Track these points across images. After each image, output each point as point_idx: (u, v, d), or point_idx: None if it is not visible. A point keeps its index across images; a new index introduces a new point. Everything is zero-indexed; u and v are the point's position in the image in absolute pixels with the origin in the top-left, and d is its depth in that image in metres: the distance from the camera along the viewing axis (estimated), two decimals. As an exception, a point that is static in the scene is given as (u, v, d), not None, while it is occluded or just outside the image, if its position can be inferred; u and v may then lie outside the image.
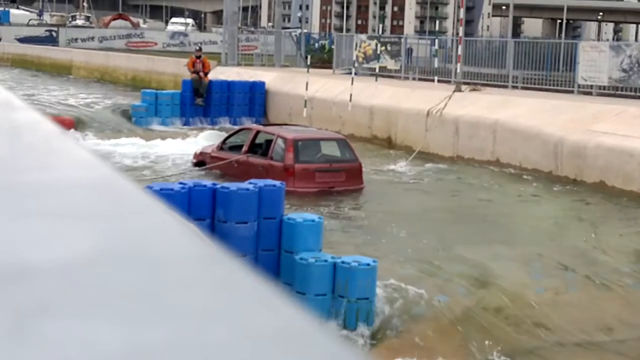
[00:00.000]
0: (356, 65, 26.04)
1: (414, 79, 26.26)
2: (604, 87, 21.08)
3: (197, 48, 27.62)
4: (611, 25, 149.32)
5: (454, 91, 20.97)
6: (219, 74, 28.29)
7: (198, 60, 25.73)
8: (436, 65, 25.25)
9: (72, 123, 22.34)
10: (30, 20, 73.83)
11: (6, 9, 76.98)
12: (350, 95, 22.42)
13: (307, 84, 23.14)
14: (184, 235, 0.65)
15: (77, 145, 1.00)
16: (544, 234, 12.56)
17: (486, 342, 8.81)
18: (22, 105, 1.26)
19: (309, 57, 27.01)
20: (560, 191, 16.07)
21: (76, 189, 0.78)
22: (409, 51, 26.05)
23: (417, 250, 11.29)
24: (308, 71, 24.07)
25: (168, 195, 8.89)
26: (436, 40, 26.27)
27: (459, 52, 22.62)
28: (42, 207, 0.73)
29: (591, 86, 21.34)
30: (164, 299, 0.55)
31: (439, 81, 24.43)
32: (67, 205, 0.73)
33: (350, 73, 24.32)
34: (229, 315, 0.53)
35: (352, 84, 22.56)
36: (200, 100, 25.15)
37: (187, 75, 25.92)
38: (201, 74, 25.45)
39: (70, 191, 0.78)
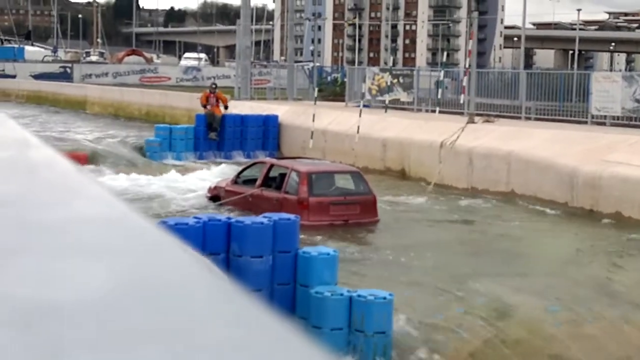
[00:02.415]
0: (369, 97, 26.14)
1: (426, 110, 26.30)
2: (618, 117, 21.05)
3: (213, 84, 27.71)
4: (623, 56, 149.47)
5: (467, 123, 20.98)
6: (232, 108, 28.41)
7: (212, 95, 25.85)
8: (439, 96, 25.31)
9: (86, 158, 22.46)
10: (44, 56, 74.53)
11: (21, 45, 77.77)
12: (358, 127, 22.47)
13: (313, 115, 23.25)
14: (198, 272, 0.65)
15: (92, 182, 1.00)
16: (561, 266, 12.48)
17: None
18: (38, 143, 1.27)
19: (316, 89, 27.16)
20: (576, 222, 15.99)
21: (92, 226, 0.78)
22: (439, 84, 26.10)
23: (434, 283, 11.22)
24: (315, 103, 24.20)
25: (183, 230, 8.89)
26: (442, 72, 26.36)
27: (464, 83, 22.67)
28: (59, 244, 0.73)
29: (604, 116, 21.32)
30: (178, 337, 0.55)
31: (451, 113, 24.43)
32: (84, 242, 0.73)
33: (367, 106, 24.42)
34: (244, 352, 0.52)
35: (360, 116, 22.63)
36: (213, 135, 25.25)
37: (201, 109, 26.07)
38: (220, 107, 25.56)
39: (86, 228, 0.78)
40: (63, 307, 0.57)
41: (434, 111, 25.69)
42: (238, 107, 28.75)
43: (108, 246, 0.71)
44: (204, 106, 25.79)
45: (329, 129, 24.31)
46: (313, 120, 23.22)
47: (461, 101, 22.68)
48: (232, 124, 25.63)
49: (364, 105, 25.85)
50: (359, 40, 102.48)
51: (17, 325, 0.54)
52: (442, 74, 26.20)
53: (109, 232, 0.76)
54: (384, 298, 8.81)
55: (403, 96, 26.83)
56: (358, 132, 22.43)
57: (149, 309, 0.58)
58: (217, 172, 20.96)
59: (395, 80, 26.83)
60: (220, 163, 23.48)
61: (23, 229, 0.77)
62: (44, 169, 1.10)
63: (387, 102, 25.83)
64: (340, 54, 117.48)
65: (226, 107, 25.81)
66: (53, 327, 0.54)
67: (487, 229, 15.57)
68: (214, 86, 27.19)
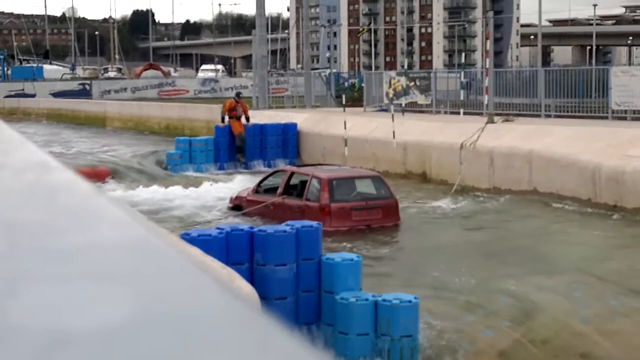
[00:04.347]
0: (386, 102, 26.10)
1: (445, 112, 26.25)
2: (638, 112, 20.91)
3: (237, 92, 27.46)
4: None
5: (487, 123, 20.92)
6: (251, 117, 28.48)
7: (238, 104, 25.62)
8: (462, 98, 25.22)
9: (108, 173, 22.59)
10: (63, 74, 75.06)
11: (39, 65, 78.38)
12: (393, 132, 22.28)
13: (345, 122, 23.09)
14: (216, 294, 0.66)
15: (113, 205, 1.01)
16: (586, 262, 12.41)
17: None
18: (57, 166, 1.28)
19: (343, 96, 27.09)
20: (600, 218, 15.89)
21: (112, 251, 0.79)
22: (462, 85, 25.90)
23: (459, 285, 11.19)
24: (344, 110, 24.09)
25: (206, 241, 8.92)
26: (462, 73, 26.30)
27: (487, 84, 22.60)
28: (78, 270, 0.74)
29: (625, 111, 21.18)
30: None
31: (470, 114, 24.38)
32: (103, 269, 0.74)
33: (385, 110, 24.36)
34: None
35: (392, 120, 22.50)
36: (241, 157, 25.03)
37: (219, 122, 25.96)
38: (243, 120, 25.29)
39: (105, 253, 0.79)
40: (81, 336, 0.57)
41: (453, 113, 25.63)
42: (257, 117, 28.79)
43: (128, 272, 0.71)
44: (230, 117, 25.23)
45: (349, 135, 24.31)
46: (345, 127, 22.99)
47: (485, 102, 22.58)
48: (251, 134, 25.66)
49: (382, 110, 25.81)
50: (375, 45, 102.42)
51: (33, 355, 0.54)
52: (462, 75, 26.12)
53: (129, 258, 0.76)
54: (409, 302, 8.80)
55: (420, 99, 26.79)
56: (394, 137, 22.26)
57: (170, 337, 0.58)
58: (238, 183, 20.99)
59: (412, 83, 26.80)
60: (241, 173, 23.52)
61: (40, 256, 0.78)
62: (63, 193, 1.11)
63: (403, 105, 25.76)
64: (357, 59, 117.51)
65: (248, 119, 25.59)
66: (70, 357, 0.55)
67: (511, 228, 15.51)
68: (239, 94, 26.88)
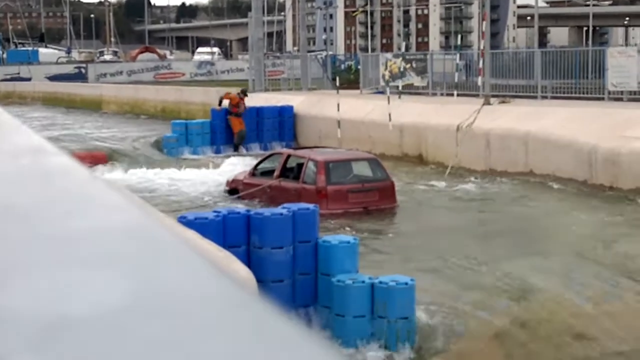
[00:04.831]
0: (382, 84, 26.05)
1: (441, 94, 26.22)
2: (635, 92, 20.90)
3: (243, 90, 26.92)
4: (638, 30, 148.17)
5: (483, 104, 20.90)
6: (247, 100, 28.43)
7: (242, 100, 25.32)
8: (456, 80, 25.17)
9: (104, 157, 22.57)
10: (59, 58, 74.81)
11: (35, 48, 78.10)
12: (389, 114, 22.29)
13: (338, 105, 23.13)
14: (213, 277, 0.66)
15: (108, 189, 1.01)
16: (582, 244, 12.44)
17: (529, 356, 8.71)
18: (53, 150, 1.28)
19: (337, 78, 27.05)
20: (596, 199, 15.92)
21: (108, 235, 0.79)
22: (457, 67, 25.82)
23: (455, 266, 11.22)
24: (338, 92, 24.10)
25: (203, 225, 8.92)
26: (458, 55, 26.22)
27: (480, 65, 22.56)
28: (74, 256, 0.74)
29: (621, 92, 21.17)
30: (193, 348, 0.55)
31: (466, 95, 24.35)
32: (99, 252, 0.74)
33: (381, 92, 24.33)
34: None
35: (388, 102, 22.49)
36: (237, 150, 24.89)
37: (215, 104, 25.89)
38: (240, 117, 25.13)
39: (102, 238, 0.79)
40: (79, 320, 0.58)
41: (449, 95, 25.60)
42: (253, 99, 28.72)
43: (125, 257, 0.72)
44: (232, 113, 25.02)
45: (344, 117, 24.28)
46: (338, 110, 23.02)
47: (479, 83, 22.56)
48: (248, 117, 25.62)
49: (378, 92, 25.77)
50: (372, 27, 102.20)
51: (31, 341, 0.55)
52: (458, 57, 26.06)
53: (126, 242, 0.76)
54: (406, 284, 8.82)
55: (417, 81, 26.75)
56: (390, 119, 22.27)
57: (167, 321, 0.58)
58: (234, 165, 20.98)
59: (409, 65, 26.75)
60: (238, 156, 23.51)
61: (37, 241, 0.78)
62: (59, 177, 1.11)
63: (400, 87, 25.72)
64: (353, 41, 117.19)
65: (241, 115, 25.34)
66: (69, 342, 0.55)
67: (507, 210, 15.53)
68: (245, 91, 26.42)
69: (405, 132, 22.27)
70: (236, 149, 24.86)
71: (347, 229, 13.68)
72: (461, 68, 26.65)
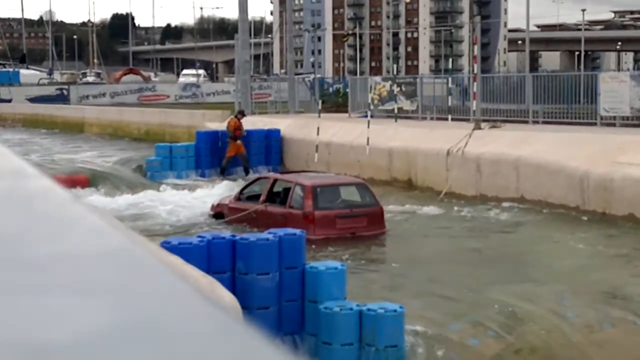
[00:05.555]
0: (372, 107, 26.15)
1: (431, 118, 26.31)
2: (627, 118, 21.04)
3: (241, 111, 26.70)
4: (631, 54, 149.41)
5: (474, 129, 20.98)
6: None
7: (241, 124, 25.16)
8: (450, 104, 25.33)
9: (86, 180, 22.49)
10: (40, 79, 74.71)
11: (16, 69, 78.00)
12: (368, 138, 22.49)
13: (318, 129, 23.26)
14: (197, 304, 0.65)
15: (91, 213, 1.01)
16: (574, 271, 12.45)
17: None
18: (34, 173, 1.27)
19: (319, 101, 27.16)
20: (588, 226, 15.96)
21: (89, 260, 0.78)
22: (450, 91, 25.92)
23: (445, 294, 11.20)
24: (319, 116, 24.21)
25: (186, 250, 8.89)
26: (449, 79, 26.41)
27: (474, 90, 22.69)
28: (55, 281, 0.73)
29: (614, 117, 21.31)
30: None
31: (456, 120, 24.47)
32: (80, 278, 0.73)
33: (366, 116, 24.41)
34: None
35: (368, 127, 22.65)
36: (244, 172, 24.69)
37: (201, 127, 25.96)
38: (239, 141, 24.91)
39: (83, 263, 0.78)
40: (55, 350, 0.57)
41: (439, 119, 25.69)
42: (226, 124, 28.79)
43: (106, 283, 0.71)
44: (234, 137, 24.78)
45: (333, 141, 24.33)
46: (317, 134, 23.22)
47: (473, 107, 22.69)
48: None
49: (367, 115, 25.83)
50: (360, 50, 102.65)
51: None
52: (449, 80, 26.22)
53: (107, 268, 0.76)
54: (395, 311, 8.80)
55: (406, 104, 26.85)
56: (368, 143, 22.42)
57: (149, 349, 0.58)
58: (219, 190, 20.97)
59: (398, 89, 26.87)
60: (223, 180, 23.48)
61: (15, 266, 0.77)
62: (40, 201, 1.10)
63: (395, 111, 25.85)
64: (342, 64, 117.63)
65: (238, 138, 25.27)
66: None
67: (498, 236, 15.55)
68: (243, 112, 26.32)
69: (395, 156, 22.32)
70: (246, 171, 24.63)
71: (335, 255, 13.65)
72: (453, 92, 26.80)
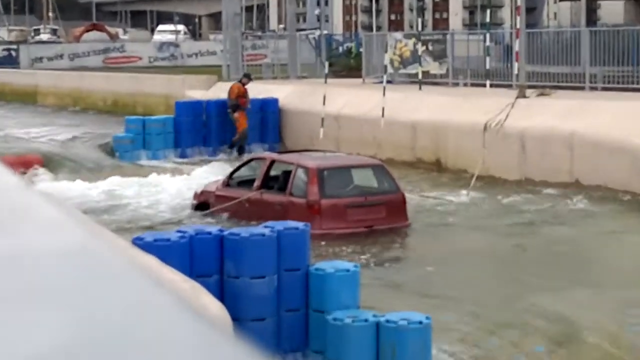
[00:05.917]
0: (391, 71, 26.10)
1: (464, 84, 26.27)
2: None
3: (247, 74, 26.83)
4: None
5: (517, 97, 20.94)
6: (220, 91, 28.43)
7: (246, 90, 25.29)
8: (487, 66, 25.25)
9: (39, 162, 22.50)
10: (-18, 38, 74.72)
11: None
12: (383, 109, 22.45)
13: (324, 97, 23.20)
14: (176, 316, 0.65)
15: (44, 202, 1.00)
16: (641, 273, 12.45)
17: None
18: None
19: (326, 63, 27.11)
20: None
21: (42, 260, 0.78)
22: (487, 50, 25.94)
23: (481, 301, 11.21)
24: (326, 81, 24.16)
25: (164, 248, 8.91)
26: (487, 35, 26.32)
27: (517, 48, 22.62)
28: (4, 287, 0.73)
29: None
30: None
31: (496, 86, 24.40)
32: (35, 283, 0.73)
33: (390, 81, 24.39)
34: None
35: (384, 95, 22.61)
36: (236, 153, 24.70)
37: (180, 96, 25.98)
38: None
39: (35, 264, 0.78)
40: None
41: (475, 85, 25.64)
42: (227, 91, 28.72)
43: (63, 289, 0.71)
44: (236, 107, 24.94)
45: (343, 113, 24.31)
46: (324, 104, 23.18)
47: (516, 71, 22.62)
48: (221, 112, 25.61)
49: (387, 81, 25.80)
50: (377, 0, 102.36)
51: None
52: (487, 37, 26.15)
53: (65, 270, 0.75)
54: (420, 322, 8.81)
55: (434, 67, 26.80)
56: (383, 115, 22.39)
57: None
58: (204, 174, 20.98)
59: (424, 48, 26.80)
60: (210, 161, 23.49)
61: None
62: (-18, 188, 1.10)
63: (419, 75, 25.80)
64: (354, 17, 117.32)
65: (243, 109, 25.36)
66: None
67: (546, 230, 15.54)
68: (249, 75, 26.44)
69: (420, 131, 22.30)
70: (241, 151, 24.71)
71: (346, 253, 13.66)
72: (491, 52, 26.71)
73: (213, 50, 56.36)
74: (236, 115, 24.98)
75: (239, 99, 25.06)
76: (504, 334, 10.11)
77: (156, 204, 18.01)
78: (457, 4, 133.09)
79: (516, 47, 22.80)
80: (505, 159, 19.92)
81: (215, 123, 25.52)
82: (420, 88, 24.90)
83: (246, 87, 25.47)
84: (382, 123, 22.52)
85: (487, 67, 25.06)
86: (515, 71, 22.81)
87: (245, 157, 21.61)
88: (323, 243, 13.98)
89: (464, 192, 18.51)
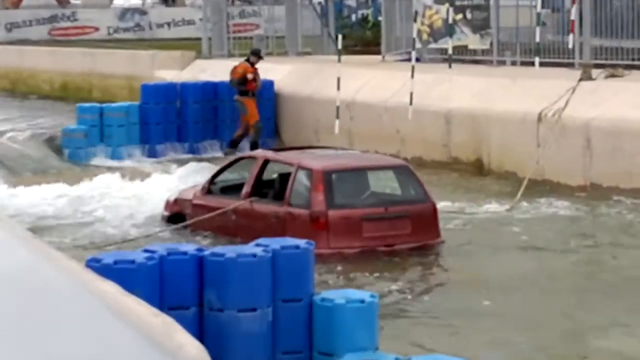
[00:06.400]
0: (418, 46, 26.05)
1: (512, 63, 26.22)
2: None
3: (255, 50, 27.02)
4: None
5: (580, 80, 20.92)
6: (199, 72, 28.48)
7: (256, 70, 25.58)
8: (538, 39, 25.18)
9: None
10: None
11: None
12: (411, 95, 22.41)
13: (338, 80, 23.14)
14: (141, 356, 0.66)
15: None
16: None
17: None
18: None
19: (338, 36, 27.08)
20: None
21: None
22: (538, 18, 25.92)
23: (533, 342, 11.22)
24: (339, 59, 24.11)
25: (128, 272, 8.91)
26: (540, 0, 26.27)
27: (573, 16, 22.61)
28: None
29: None
30: None
31: (552, 64, 24.36)
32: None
33: (410, 59, 24.34)
34: None
35: (412, 76, 22.57)
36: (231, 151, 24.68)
37: (148, 77, 25.95)
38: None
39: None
40: None
41: (525, 63, 25.60)
42: (209, 70, 28.77)
43: (5, 319, 0.72)
44: (242, 91, 25.29)
45: (357, 100, 24.28)
46: (338, 88, 23.06)
47: (569, 45, 22.58)
48: (200, 98, 25.61)
49: (410, 58, 25.82)
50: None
51: None
52: (540, 3, 26.10)
53: (6, 298, 0.77)
54: (456, 369, 8.82)
55: (473, 41, 26.75)
56: (411, 102, 22.33)
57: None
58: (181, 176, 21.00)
59: (460, 17, 26.78)
60: (187, 161, 23.49)
61: None
62: None
63: (449, 50, 25.75)
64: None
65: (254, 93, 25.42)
66: None
67: (616, 252, 15.53)
68: (258, 52, 26.64)
69: (455, 123, 22.27)
70: (254, 147, 24.71)
71: (361, 280, 13.66)
72: (544, 21, 26.65)
73: (190, 18, 56.33)
74: (239, 98, 25.00)
75: (244, 82, 25.05)
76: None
77: (117, 217, 18.01)
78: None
79: (573, 14, 22.77)
80: (566, 159, 19.88)
81: (192, 111, 25.50)
82: (450, 66, 24.77)
83: (256, 66, 25.49)
84: (409, 113, 22.44)
85: (537, 39, 25.01)
86: (570, 45, 22.77)
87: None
88: (330, 266, 13.97)
89: (511, 201, 18.51)
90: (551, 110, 20.40)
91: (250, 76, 25.19)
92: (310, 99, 25.58)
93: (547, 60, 25.00)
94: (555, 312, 12.29)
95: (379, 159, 17.74)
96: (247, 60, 25.95)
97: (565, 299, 12.95)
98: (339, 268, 14.17)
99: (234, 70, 25.40)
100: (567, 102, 20.26)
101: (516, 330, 11.64)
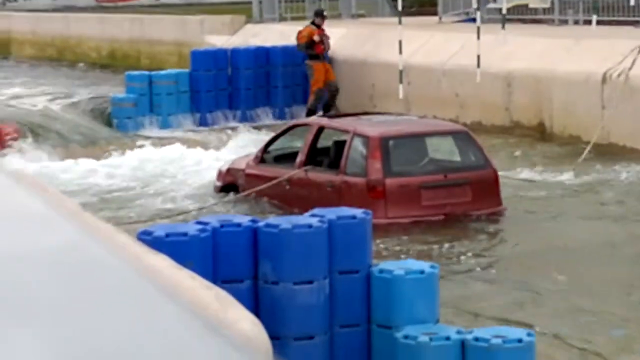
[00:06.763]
0: (475, 6, 25.91)
1: (575, 22, 26.06)
2: None
3: (319, 11, 26.92)
4: None
5: (647, 38, 20.78)
6: (250, 37, 28.46)
7: (322, 31, 25.52)
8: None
9: (16, 132, 22.62)
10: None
11: None
12: (478, 57, 22.24)
13: (400, 43, 23.04)
14: (195, 337, 0.65)
15: (19, 187, 1.01)
16: None
17: None
18: None
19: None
20: None
21: (18, 269, 0.78)
22: None
23: (600, 314, 11.17)
24: (400, 22, 24.01)
25: (180, 245, 8.93)
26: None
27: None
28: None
29: None
30: None
31: (616, 23, 24.18)
32: (12, 296, 0.73)
33: (473, 20, 24.21)
34: None
35: (478, 37, 22.43)
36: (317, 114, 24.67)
37: (198, 44, 25.98)
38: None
39: (15, 271, 0.78)
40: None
41: (587, 22, 25.42)
42: (260, 35, 28.74)
43: (44, 302, 0.71)
44: (313, 56, 25.38)
45: (413, 64, 24.20)
46: (400, 52, 22.94)
47: (631, 2, 22.38)
48: (252, 64, 25.60)
49: (469, 19, 25.68)
50: None
51: None
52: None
53: (48, 277, 0.76)
54: (520, 341, 8.78)
55: (534, 0, 26.60)
56: (479, 65, 22.19)
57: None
58: (233, 147, 21.04)
59: (521, -26, 26.63)
60: (239, 129, 23.53)
61: None
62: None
63: (504, 10, 25.57)
64: None
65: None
66: None
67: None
68: (322, 12, 26.62)
69: (516, 86, 22.17)
70: (327, 109, 24.70)
71: (420, 250, 13.65)
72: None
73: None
74: (311, 65, 25.04)
75: (312, 46, 25.04)
76: (631, 357, 10.07)
77: (168, 188, 18.08)
78: None
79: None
80: (632, 121, 19.75)
81: (244, 78, 25.52)
82: (503, 27, 24.57)
83: (322, 27, 25.49)
84: (477, 76, 22.28)
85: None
86: (632, 2, 22.56)
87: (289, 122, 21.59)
88: (388, 236, 13.96)
89: (575, 166, 18.41)
90: (616, 70, 20.25)
91: (317, 38, 25.17)
92: (364, 62, 25.54)
93: (607, 17, 24.81)
94: (625, 281, 12.25)
95: (437, 125, 17.68)
96: (313, 22, 25.91)
97: (634, 266, 12.90)
98: (397, 238, 14.15)
99: (299, 35, 25.38)
100: (633, 62, 20.10)
101: (583, 298, 11.59)
